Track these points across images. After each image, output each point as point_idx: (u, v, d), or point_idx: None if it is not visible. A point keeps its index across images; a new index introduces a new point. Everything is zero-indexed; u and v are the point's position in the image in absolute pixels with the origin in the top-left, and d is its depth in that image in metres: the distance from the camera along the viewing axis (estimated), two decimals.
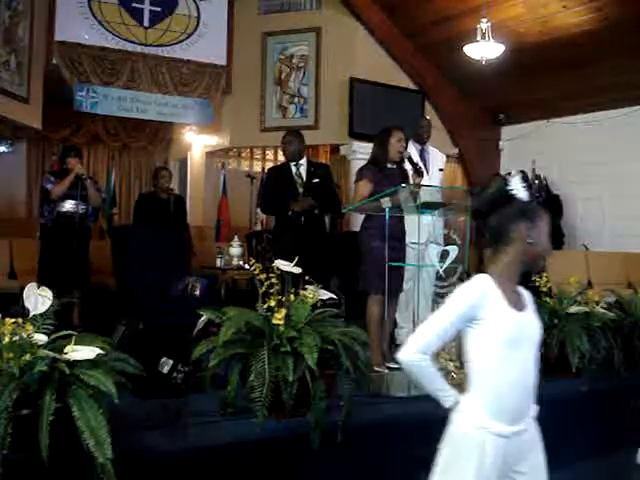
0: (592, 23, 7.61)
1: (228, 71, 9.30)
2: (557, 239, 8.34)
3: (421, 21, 8.74)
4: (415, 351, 2.16)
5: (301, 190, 5.87)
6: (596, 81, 8.32)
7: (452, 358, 4.26)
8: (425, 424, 3.85)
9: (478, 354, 2.18)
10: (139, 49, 8.73)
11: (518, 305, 2.20)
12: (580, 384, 4.50)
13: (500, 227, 2.22)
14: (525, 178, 8.84)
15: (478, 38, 7.51)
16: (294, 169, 5.96)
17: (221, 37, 9.24)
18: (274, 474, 3.22)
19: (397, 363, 4.98)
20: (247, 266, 6.49)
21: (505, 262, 2.21)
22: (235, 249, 7.33)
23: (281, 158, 10.25)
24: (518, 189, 2.21)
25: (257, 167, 11.54)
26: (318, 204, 5.80)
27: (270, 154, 11.46)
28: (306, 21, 9.36)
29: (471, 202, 2.15)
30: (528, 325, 2.22)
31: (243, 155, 11.61)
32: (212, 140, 10.56)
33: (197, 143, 11.10)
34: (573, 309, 4.79)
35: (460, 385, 4.10)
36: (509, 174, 2.32)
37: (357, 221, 6.55)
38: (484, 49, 7.56)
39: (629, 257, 7.92)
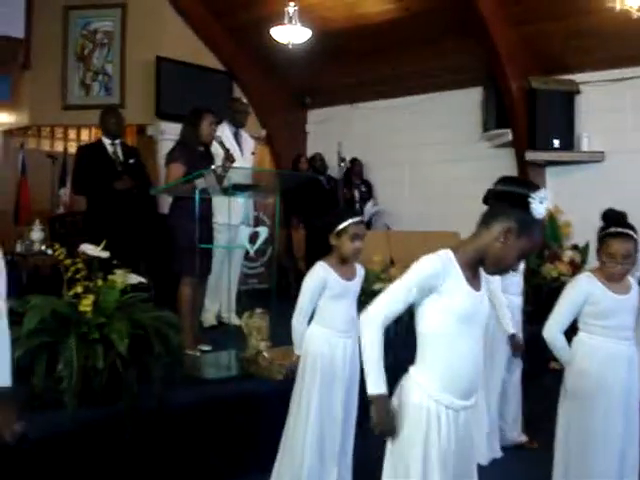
0: (394, 13, 7.95)
1: (27, 45, 8.77)
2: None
3: (229, 2, 8.69)
4: (382, 317, 2.19)
5: (120, 169, 5.79)
6: (396, 68, 8.72)
7: (264, 338, 4.34)
8: (243, 403, 3.94)
9: (434, 326, 2.20)
10: None
11: (475, 285, 2.22)
12: None
13: None
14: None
15: (285, 22, 7.58)
16: (110, 148, 5.86)
17: (18, 8, 8.69)
18: (89, 465, 3.13)
19: (208, 345, 4.93)
20: (50, 251, 6.23)
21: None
22: (36, 233, 6.99)
23: (84, 138, 9.89)
24: None
25: (59, 147, 10.99)
26: (138, 184, 5.75)
27: (73, 133, 10.96)
28: None
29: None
30: (481, 305, 2.25)
31: (44, 134, 11.02)
32: (9, 118, 9.93)
33: None
34: (378, 286, 5.03)
35: (271, 363, 4.23)
36: None
37: (165, 203, 6.49)
38: (291, 33, 7.63)
39: (428, 236, 8.39)
